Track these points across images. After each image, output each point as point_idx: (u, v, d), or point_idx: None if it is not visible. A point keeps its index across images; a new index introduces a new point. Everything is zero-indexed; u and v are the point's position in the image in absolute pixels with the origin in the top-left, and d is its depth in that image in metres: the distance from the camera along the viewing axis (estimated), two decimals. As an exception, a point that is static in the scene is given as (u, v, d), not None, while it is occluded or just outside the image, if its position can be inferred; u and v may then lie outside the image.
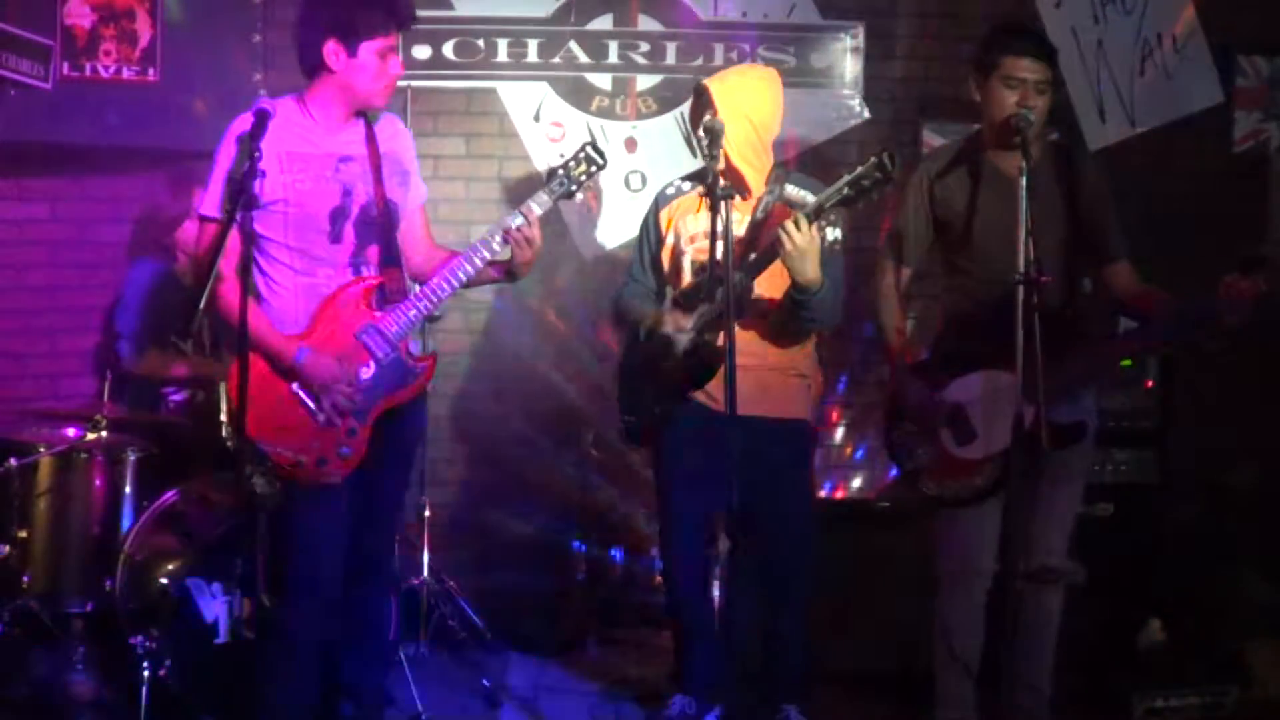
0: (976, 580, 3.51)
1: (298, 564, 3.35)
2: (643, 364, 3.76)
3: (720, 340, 3.49)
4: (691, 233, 3.75)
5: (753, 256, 3.56)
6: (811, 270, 3.40)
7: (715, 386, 3.63)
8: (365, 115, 3.39)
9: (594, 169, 3.48)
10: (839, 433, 5.21)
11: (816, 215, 3.37)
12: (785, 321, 3.64)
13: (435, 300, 3.35)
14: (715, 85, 3.64)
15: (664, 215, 3.84)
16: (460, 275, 3.36)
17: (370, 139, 3.37)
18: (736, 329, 3.58)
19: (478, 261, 3.38)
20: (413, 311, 3.33)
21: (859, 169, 3.31)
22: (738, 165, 3.62)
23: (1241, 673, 4.03)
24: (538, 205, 3.41)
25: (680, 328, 3.61)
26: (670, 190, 3.87)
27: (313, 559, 3.36)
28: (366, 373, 3.32)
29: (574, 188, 3.46)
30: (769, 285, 3.59)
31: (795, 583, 3.79)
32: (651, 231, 3.86)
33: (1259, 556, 4.42)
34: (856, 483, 5.22)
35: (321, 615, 3.45)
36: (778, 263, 3.45)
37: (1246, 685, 4.00)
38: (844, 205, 3.36)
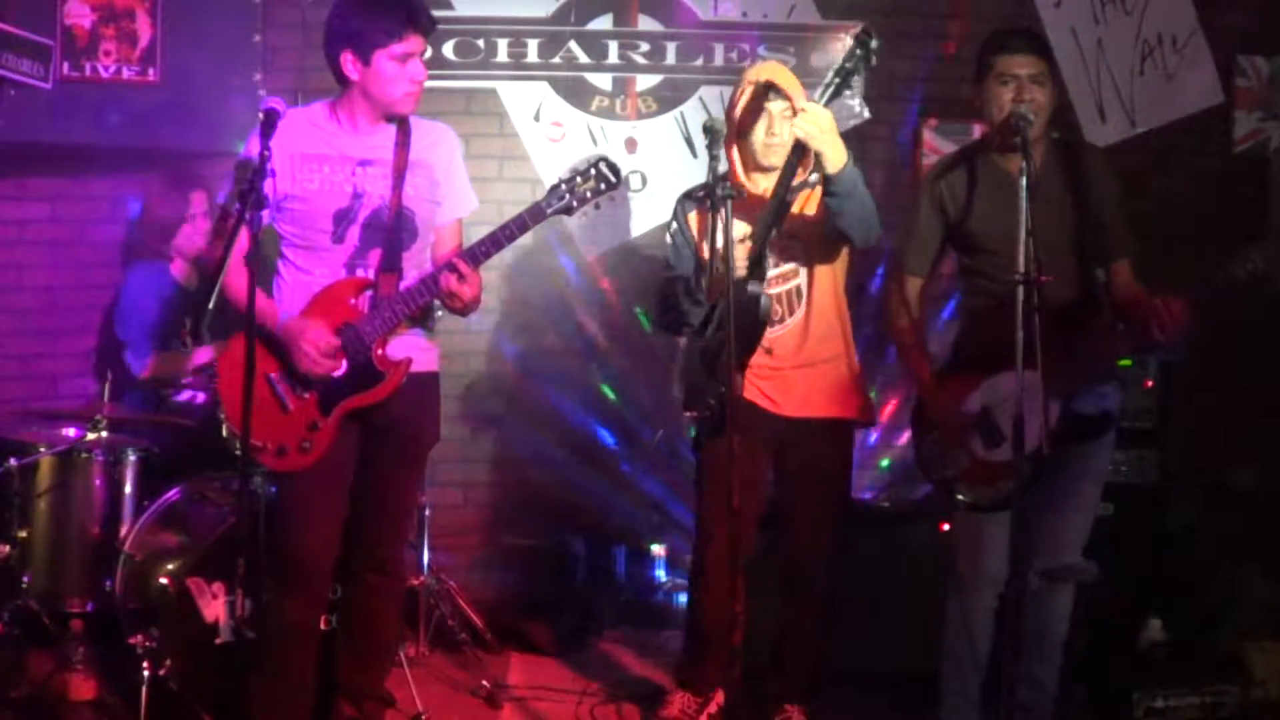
0: (990, 585, 3.50)
1: (287, 552, 3.39)
2: (700, 353, 3.71)
3: (764, 290, 3.56)
4: (737, 236, 3.77)
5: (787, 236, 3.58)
6: (837, 146, 3.39)
7: (770, 386, 3.69)
8: (401, 121, 3.39)
9: (604, 186, 3.33)
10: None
11: None
12: (830, 309, 3.70)
13: (410, 308, 3.33)
14: (778, 76, 3.65)
15: (692, 220, 3.86)
16: (428, 292, 3.33)
17: (403, 144, 3.37)
18: (784, 330, 3.72)
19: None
20: (389, 314, 3.33)
21: (840, 59, 3.37)
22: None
23: (1241, 673, 4.03)
24: (530, 218, 3.31)
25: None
26: (701, 192, 3.86)
27: (303, 547, 3.40)
28: (338, 370, 3.34)
29: (575, 203, 3.32)
30: (807, 203, 3.65)
31: (815, 583, 3.81)
32: (684, 227, 3.87)
33: (1259, 556, 4.42)
34: (856, 482, 5.22)
35: (313, 606, 3.49)
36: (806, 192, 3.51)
37: (1246, 685, 4.00)
38: (837, 94, 3.39)
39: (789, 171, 3.53)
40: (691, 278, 3.77)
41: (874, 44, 3.33)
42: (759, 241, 3.57)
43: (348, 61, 3.27)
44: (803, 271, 3.73)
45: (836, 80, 3.37)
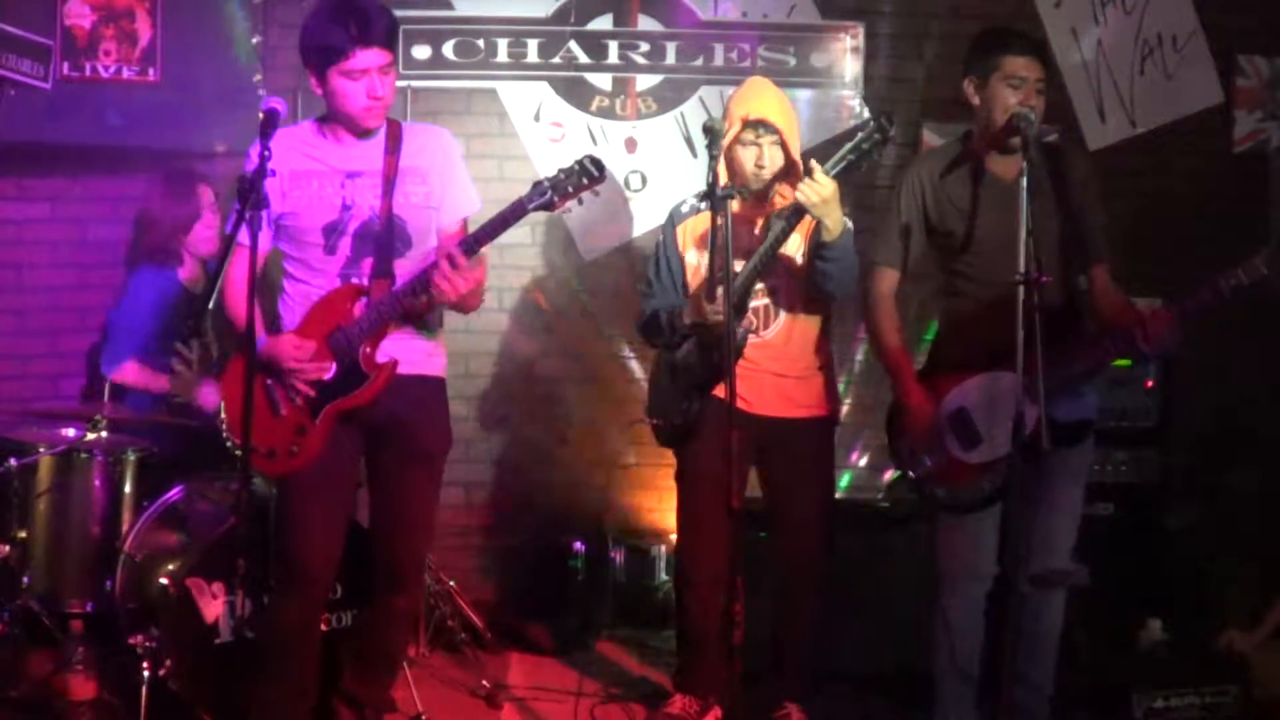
0: (976, 583, 3.51)
1: (286, 554, 3.40)
2: (669, 367, 3.81)
3: (741, 329, 3.57)
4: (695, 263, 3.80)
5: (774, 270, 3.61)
6: (836, 213, 3.46)
7: (743, 387, 3.67)
8: (393, 127, 3.39)
9: (586, 181, 3.30)
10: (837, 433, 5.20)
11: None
12: (811, 327, 3.70)
13: (396, 310, 3.32)
14: (771, 113, 3.64)
15: (680, 232, 3.87)
16: (413, 294, 3.31)
17: (392, 152, 3.37)
18: (760, 341, 3.74)
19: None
20: (375, 316, 3.33)
21: (858, 133, 3.40)
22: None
23: (1241, 673, 4.03)
24: (511, 214, 3.27)
25: (706, 313, 3.62)
26: (685, 208, 3.90)
27: (300, 549, 3.40)
28: (327, 374, 3.35)
29: (556, 199, 3.28)
30: (791, 246, 3.68)
31: (809, 580, 3.81)
32: (669, 247, 3.89)
33: (1259, 556, 4.42)
34: (856, 483, 5.22)
35: (312, 608, 3.49)
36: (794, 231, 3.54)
37: (1246, 685, 4.00)
38: (849, 170, 3.42)
39: (783, 231, 3.57)
40: (668, 313, 3.80)
41: (892, 131, 3.38)
42: (741, 287, 3.60)
43: (312, 80, 3.30)
44: (780, 294, 3.76)
45: (851, 158, 3.41)
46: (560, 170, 3.31)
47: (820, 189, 3.39)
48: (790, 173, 3.70)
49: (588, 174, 3.30)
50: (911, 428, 3.53)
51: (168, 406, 4.50)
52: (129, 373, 4.42)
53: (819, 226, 3.50)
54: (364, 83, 3.25)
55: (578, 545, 4.96)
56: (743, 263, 3.67)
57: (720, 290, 3.62)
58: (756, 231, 3.72)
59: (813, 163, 3.43)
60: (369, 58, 3.23)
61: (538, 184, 3.31)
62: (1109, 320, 3.41)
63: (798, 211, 3.51)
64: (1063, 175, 3.44)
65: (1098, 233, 3.48)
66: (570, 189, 3.29)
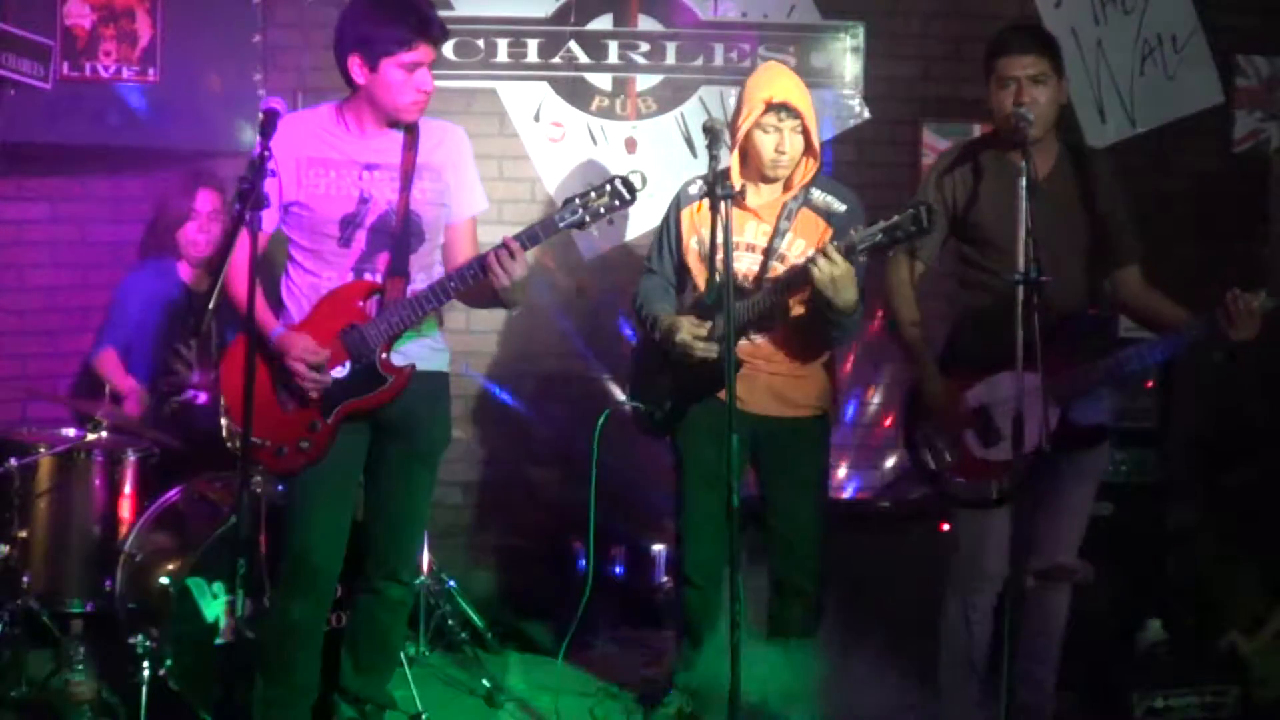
0: (987, 582, 3.51)
1: (293, 553, 3.40)
2: (660, 356, 3.77)
3: (739, 350, 3.52)
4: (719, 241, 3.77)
5: (779, 270, 3.61)
6: (848, 294, 3.40)
7: (738, 385, 3.65)
8: (406, 124, 3.36)
9: (618, 203, 3.30)
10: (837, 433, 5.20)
11: (847, 253, 3.36)
12: (811, 329, 3.65)
13: (418, 315, 3.33)
14: (793, 97, 3.58)
15: (685, 215, 3.83)
16: (436, 299, 3.32)
17: (410, 147, 3.36)
18: (760, 339, 3.70)
19: (455, 285, 3.31)
20: (395, 319, 3.32)
21: (896, 217, 3.30)
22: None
23: (1241, 673, 4.03)
24: (542, 231, 3.29)
25: (696, 335, 3.61)
26: (693, 190, 3.84)
27: (308, 548, 3.40)
28: (340, 372, 3.34)
29: (588, 218, 3.29)
30: (796, 300, 3.62)
31: (805, 577, 3.80)
32: (672, 228, 3.86)
33: (1258, 556, 4.42)
34: (857, 483, 5.22)
35: (318, 606, 3.49)
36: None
37: (1246, 685, 4.00)
38: (874, 251, 3.35)
39: (783, 288, 3.54)
40: (654, 322, 3.77)
41: (929, 224, 3.28)
42: (740, 326, 3.55)
43: (355, 66, 3.26)
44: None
45: (881, 239, 3.32)
46: (592, 189, 3.30)
47: (832, 269, 3.33)
48: (809, 157, 3.66)
49: (619, 196, 3.30)
50: (933, 412, 3.52)
51: (170, 406, 4.51)
52: (103, 361, 4.44)
53: (824, 287, 3.39)
54: (418, 75, 3.26)
55: (578, 545, 4.96)
56: (745, 256, 3.66)
57: (710, 324, 3.62)
58: (765, 227, 3.70)
59: (829, 243, 3.37)
60: (426, 53, 3.24)
61: (569, 202, 3.31)
62: (1143, 317, 3.40)
63: (790, 284, 3.50)
64: (1087, 176, 3.45)
65: (1129, 233, 3.47)
66: (601, 209, 3.30)
